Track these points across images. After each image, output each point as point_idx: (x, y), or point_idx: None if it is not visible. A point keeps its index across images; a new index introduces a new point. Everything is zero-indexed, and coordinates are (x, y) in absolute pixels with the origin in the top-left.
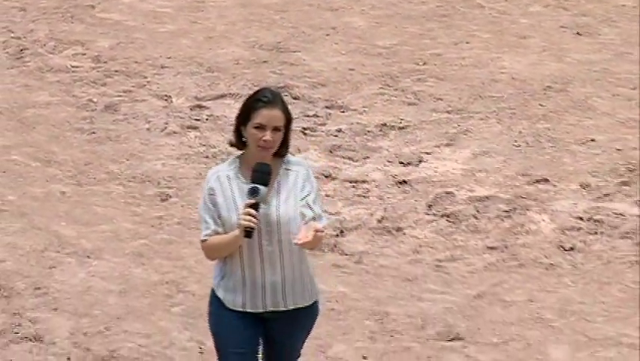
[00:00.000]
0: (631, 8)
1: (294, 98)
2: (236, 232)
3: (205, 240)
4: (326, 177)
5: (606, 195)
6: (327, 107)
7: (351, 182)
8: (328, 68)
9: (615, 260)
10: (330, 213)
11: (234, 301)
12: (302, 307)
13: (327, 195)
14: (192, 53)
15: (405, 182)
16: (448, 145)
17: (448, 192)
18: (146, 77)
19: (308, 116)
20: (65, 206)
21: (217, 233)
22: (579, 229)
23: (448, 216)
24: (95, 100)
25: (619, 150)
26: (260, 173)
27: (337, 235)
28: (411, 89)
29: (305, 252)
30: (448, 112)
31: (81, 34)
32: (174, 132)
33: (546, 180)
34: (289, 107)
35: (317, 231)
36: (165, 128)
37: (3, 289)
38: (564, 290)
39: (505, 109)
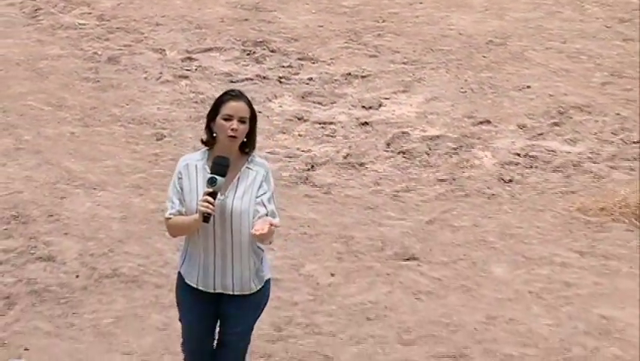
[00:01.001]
0: None
1: (271, 51)
2: (196, 215)
3: (169, 218)
4: (298, 119)
5: (540, 134)
6: (299, 59)
7: (320, 123)
8: (300, 25)
9: (548, 190)
10: (302, 151)
11: (191, 278)
12: (254, 292)
13: (299, 135)
14: (183, 12)
15: (367, 123)
16: (403, 92)
17: (403, 132)
18: (143, 33)
19: (283, 66)
20: (74, 144)
21: (180, 213)
22: (517, 163)
23: (403, 153)
24: (99, 53)
25: (551, 95)
26: (218, 165)
27: (308, 170)
28: (372, 43)
29: (255, 244)
30: (404, 63)
31: None
32: (168, 81)
33: (488, 122)
34: (252, 102)
35: (272, 225)
36: (160, 77)
37: (20, 216)
38: (504, 216)
39: (453, 60)
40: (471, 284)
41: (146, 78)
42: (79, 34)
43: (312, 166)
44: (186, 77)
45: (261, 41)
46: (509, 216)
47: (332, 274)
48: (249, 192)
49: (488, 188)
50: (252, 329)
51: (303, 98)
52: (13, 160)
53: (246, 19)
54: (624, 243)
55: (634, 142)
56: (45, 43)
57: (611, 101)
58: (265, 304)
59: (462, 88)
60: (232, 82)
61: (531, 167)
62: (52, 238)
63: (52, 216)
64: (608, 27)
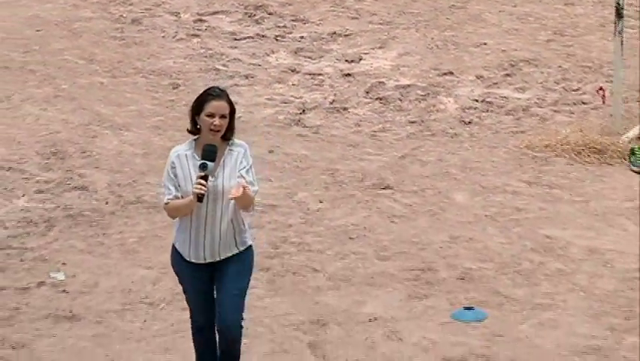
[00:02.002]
0: None
1: (269, 14)
2: (191, 197)
3: (167, 203)
4: (292, 71)
5: (494, 83)
6: (292, 20)
7: (310, 75)
8: None
9: (501, 131)
10: (295, 98)
11: (183, 252)
12: (242, 251)
13: (292, 85)
14: None
15: (349, 75)
16: (380, 48)
17: (380, 82)
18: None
19: (279, 27)
20: (103, 92)
21: (176, 198)
22: (475, 108)
23: (380, 99)
24: (124, 15)
25: (504, 50)
26: (208, 152)
27: (300, 113)
28: (353, 7)
29: (239, 215)
30: (380, 24)
31: None
32: (182, 39)
33: (451, 73)
34: (232, 98)
35: (245, 188)
36: (175, 35)
37: (58, 152)
38: (464, 152)
39: (422, 21)
40: (437, 209)
41: (163, 37)
42: (107, 0)
43: (304, 110)
44: (197, 36)
45: (260, 5)
46: (469, 152)
47: (320, 201)
48: (234, 172)
49: (451, 129)
50: (246, 290)
51: (295, 53)
52: (52, 106)
53: None
54: (565, 174)
55: (573, 90)
56: (79, 7)
57: (555, 55)
58: (251, 263)
59: (429, 45)
60: (236, 39)
61: (487, 111)
62: (85, 171)
63: (85, 152)
64: None
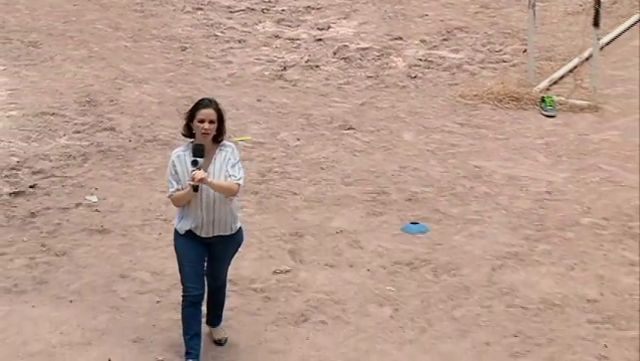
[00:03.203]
0: None
1: None
2: (188, 188)
3: (171, 195)
4: (275, 37)
5: (434, 46)
6: None
7: (289, 39)
8: None
9: (439, 83)
10: (278, 58)
11: (185, 227)
12: (228, 235)
13: (276, 47)
14: None
15: (320, 39)
16: (344, 18)
17: (344, 45)
18: None
19: (264, 2)
20: (127, 54)
21: (178, 190)
22: (419, 65)
23: (344, 58)
24: None
25: (442, 20)
26: (196, 150)
27: (282, 70)
28: None
29: (229, 202)
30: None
31: None
32: (188, 11)
33: (400, 38)
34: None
35: (202, 179)
36: (184, 9)
37: (92, 101)
38: (411, 100)
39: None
40: (389, 145)
41: (174, 10)
42: None
43: (285, 68)
44: (201, 9)
45: None
46: (414, 100)
47: (298, 139)
48: (223, 167)
49: (400, 82)
50: (229, 263)
51: (278, 22)
52: (87, 64)
53: None
54: (490, 117)
55: (496, 51)
56: None
57: (481, 24)
58: (240, 243)
59: (382, 16)
60: (231, 12)
61: (428, 68)
62: (113, 116)
63: (112, 101)
64: None
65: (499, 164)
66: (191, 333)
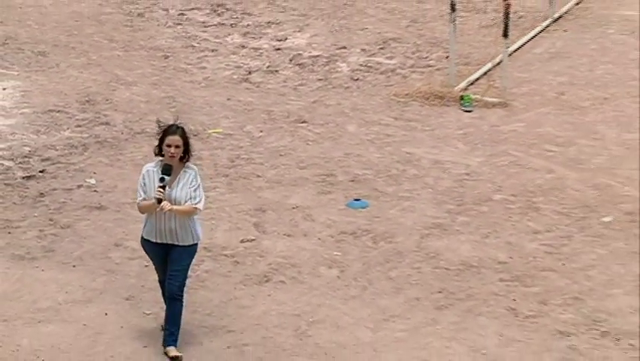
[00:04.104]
0: None
1: (227, 9)
2: (153, 200)
3: (139, 203)
4: (242, 47)
5: (373, 54)
6: (242, 14)
7: (254, 49)
8: None
9: (377, 85)
10: (244, 64)
11: (150, 236)
12: (186, 245)
13: (242, 55)
14: None
15: (279, 49)
16: (299, 31)
17: (299, 53)
18: (158, 1)
19: (233, 18)
20: (119, 61)
21: (144, 200)
22: (360, 70)
23: (299, 65)
24: (132, 11)
25: (379, 33)
26: (164, 169)
27: (248, 74)
28: (282, 5)
29: (183, 218)
30: (299, 16)
31: None
32: (170, 26)
33: (345, 47)
34: (188, 133)
35: (170, 209)
36: (166, 24)
37: (90, 100)
38: (353, 99)
39: (326, 14)
40: (336, 136)
41: (158, 25)
42: (122, 1)
43: (250, 72)
44: (180, 24)
45: (220, 4)
46: (357, 98)
47: (261, 131)
48: (186, 186)
49: (345, 83)
50: (188, 270)
51: (244, 35)
52: (86, 70)
53: None
54: (419, 112)
55: (423, 58)
56: (103, 6)
57: (412, 35)
58: (192, 257)
59: (330, 29)
60: (205, 26)
61: (368, 72)
62: (108, 112)
63: (107, 100)
64: None
65: (426, 151)
66: (166, 314)
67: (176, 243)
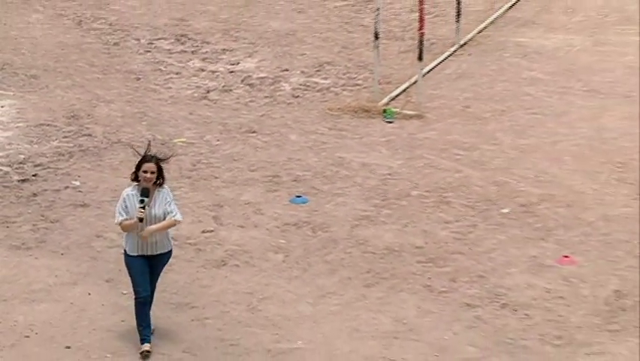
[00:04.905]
0: None
1: (189, 39)
2: (135, 219)
3: (120, 222)
4: (202, 70)
5: (310, 75)
6: (202, 42)
7: (211, 72)
8: (202, 28)
9: (314, 100)
10: (204, 84)
11: (132, 251)
12: (164, 253)
13: (202, 77)
14: (147, 20)
15: (232, 71)
16: (249, 56)
17: (249, 75)
18: (130, 32)
19: (194, 46)
20: (99, 82)
21: (126, 219)
22: (300, 88)
23: (249, 84)
24: (110, 41)
25: (315, 57)
26: (144, 192)
27: (207, 93)
28: (234, 35)
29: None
30: (249, 44)
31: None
32: (141, 53)
33: (287, 70)
34: (161, 160)
35: (152, 231)
36: (138, 51)
37: (75, 116)
38: (295, 113)
39: (272, 40)
40: (280, 143)
41: (131, 52)
42: (100, 32)
43: (208, 91)
44: (150, 52)
45: (183, 35)
46: (297, 112)
47: (217, 140)
48: (162, 203)
49: (288, 100)
50: (159, 278)
51: (203, 60)
52: (71, 90)
53: (177, 25)
54: (349, 123)
55: (352, 78)
56: (85, 37)
57: (343, 59)
58: (169, 258)
59: (275, 55)
60: (171, 53)
61: (307, 90)
62: (90, 126)
63: (89, 115)
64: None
65: (355, 155)
66: (143, 325)
67: (158, 252)
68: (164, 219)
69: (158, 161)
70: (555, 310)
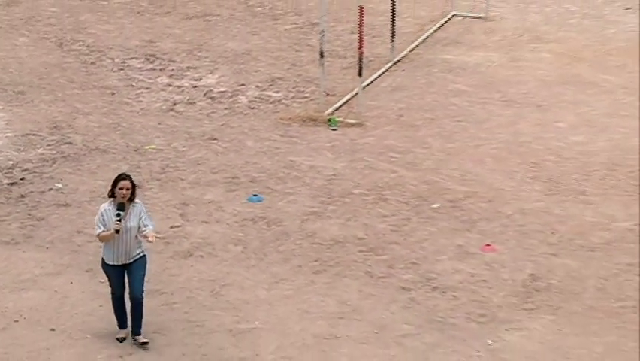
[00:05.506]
0: None
1: (157, 58)
2: (112, 230)
3: (99, 234)
4: (168, 85)
5: (264, 89)
6: (168, 61)
7: (177, 87)
8: (167, 47)
9: (268, 111)
10: (171, 97)
11: (108, 260)
12: (138, 258)
13: (169, 92)
14: (120, 42)
15: (196, 86)
16: (210, 73)
17: (210, 89)
18: (105, 53)
19: (161, 64)
20: (78, 97)
21: (104, 231)
22: (256, 101)
23: (211, 98)
24: (88, 60)
25: (268, 74)
26: (120, 207)
27: (173, 105)
28: (197, 54)
29: (139, 238)
30: (210, 62)
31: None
32: (114, 71)
33: (244, 84)
34: (134, 179)
35: (157, 236)
36: (112, 69)
37: (57, 127)
38: (251, 121)
39: (230, 59)
40: (238, 149)
41: (106, 70)
42: (79, 53)
43: (174, 104)
44: (123, 70)
45: (152, 55)
46: (253, 122)
47: (183, 147)
48: (136, 218)
49: (244, 111)
50: (144, 279)
51: (170, 77)
52: (54, 104)
53: (146, 46)
54: (298, 131)
55: (301, 92)
56: (65, 57)
57: (292, 75)
58: (145, 264)
59: (233, 72)
60: (141, 70)
61: (261, 102)
62: (71, 135)
63: (70, 125)
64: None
65: (304, 158)
66: (119, 314)
67: (131, 260)
68: (138, 230)
69: (132, 180)
70: (479, 291)
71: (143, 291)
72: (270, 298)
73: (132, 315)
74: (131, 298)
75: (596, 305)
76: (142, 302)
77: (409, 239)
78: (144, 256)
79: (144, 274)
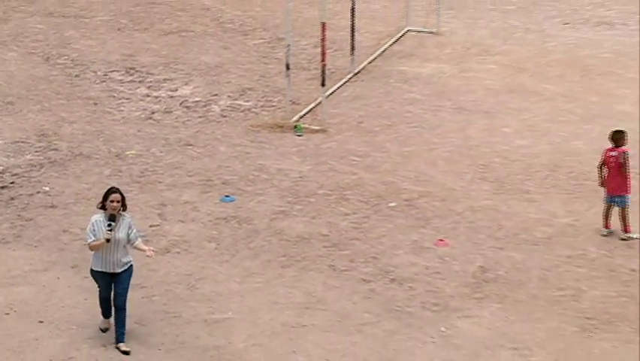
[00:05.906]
0: None
1: (137, 71)
2: (102, 240)
3: (89, 243)
4: (147, 96)
5: (235, 99)
6: (146, 73)
7: (155, 97)
8: (146, 61)
9: (239, 118)
10: (149, 107)
11: (97, 267)
12: (126, 269)
13: (147, 102)
14: (102, 56)
15: (172, 96)
16: (186, 85)
17: (186, 99)
18: (88, 66)
19: (140, 77)
20: (64, 107)
21: (94, 241)
22: (228, 109)
23: (186, 107)
24: (73, 73)
25: (239, 85)
26: (111, 218)
27: (152, 114)
28: (174, 67)
29: (127, 248)
30: (184, 74)
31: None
32: (97, 83)
33: (217, 95)
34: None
35: (153, 251)
36: (95, 81)
37: (44, 135)
38: (223, 128)
39: (204, 71)
40: (212, 154)
41: (90, 82)
42: (64, 67)
43: (152, 113)
44: (105, 81)
45: (132, 68)
46: (225, 129)
47: (161, 152)
48: (124, 229)
49: (217, 119)
50: (129, 289)
51: (148, 88)
52: (41, 113)
53: (126, 60)
54: (267, 137)
55: (269, 101)
56: (51, 70)
57: (261, 86)
58: (131, 275)
59: (206, 83)
60: (122, 82)
61: (233, 110)
62: (57, 142)
63: (56, 133)
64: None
65: (272, 162)
66: (104, 307)
67: (119, 270)
68: (127, 241)
69: (121, 193)
70: (433, 282)
71: (126, 301)
72: (242, 290)
73: (115, 322)
74: (115, 306)
75: (539, 294)
76: (125, 310)
77: (369, 235)
78: (131, 265)
79: (128, 288)
